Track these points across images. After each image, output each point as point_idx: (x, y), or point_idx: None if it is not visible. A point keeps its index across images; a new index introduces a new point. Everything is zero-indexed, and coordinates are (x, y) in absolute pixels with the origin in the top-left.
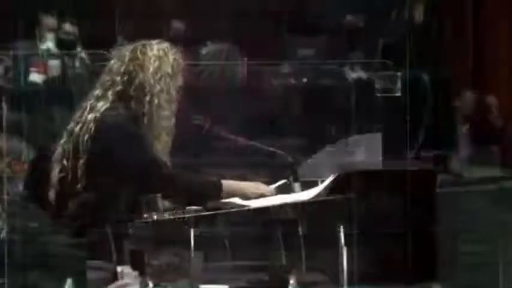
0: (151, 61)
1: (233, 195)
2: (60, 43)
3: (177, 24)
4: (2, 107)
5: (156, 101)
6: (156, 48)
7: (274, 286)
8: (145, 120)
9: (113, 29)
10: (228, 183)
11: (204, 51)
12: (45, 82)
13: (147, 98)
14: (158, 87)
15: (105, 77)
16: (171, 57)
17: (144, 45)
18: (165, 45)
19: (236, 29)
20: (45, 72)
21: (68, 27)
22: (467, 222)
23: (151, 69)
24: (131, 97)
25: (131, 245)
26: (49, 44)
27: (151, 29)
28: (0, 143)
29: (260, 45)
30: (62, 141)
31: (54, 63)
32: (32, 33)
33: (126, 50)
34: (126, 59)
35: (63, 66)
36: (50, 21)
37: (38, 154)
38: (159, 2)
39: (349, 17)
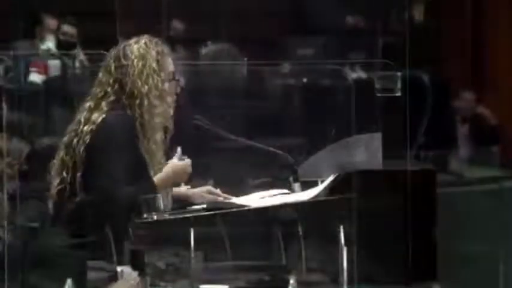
0: (135, 63)
1: (167, 184)
2: (60, 44)
3: (177, 24)
4: (2, 107)
5: (146, 101)
6: (136, 47)
7: (274, 286)
8: (138, 123)
9: (113, 29)
10: (157, 178)
11: (204, 51)
12: (45, 82)
13: (138, 101)
14: (146, 87)
15: (96, 89)
16: (153, 51)
17: (124, 48)
18: (143, 41)
19: (236, 29)
20: (45, 72)
21: (67, 27)
22: (467, 222)
23: (136, 71)
24: (125, 105)
25: (131, 245)
26: (49, 44)
27: (151, 29)
28: (0, 143)
29: (260, 45)
30: (60, 153)
31: (54, 63)
32: (32, 33)
33: (110, 58)
34: (112, 68)
35: (63, 67)
36: (50, 21)
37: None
38: (159, 2)
39: (349, 17)
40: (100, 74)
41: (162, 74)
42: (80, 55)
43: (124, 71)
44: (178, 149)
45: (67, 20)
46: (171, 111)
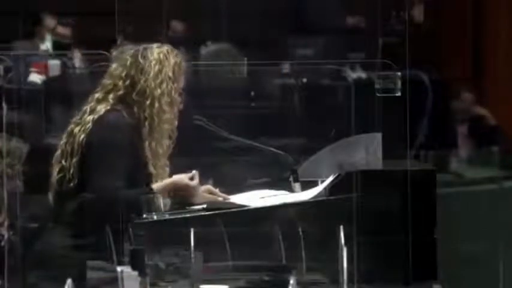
0: (152, 65)
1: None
2: (54, 44)
3: (177, 24)
4: (2, 107)
5: (157, 104)
6: (156, 51)
7: (274, 286)
8: (147, 124)
9: (113, 29)
10: (156, 186)
11: (204, 51)
12: (45, 82)
13: (148, 102)
14: (159, 91)
15: (107, 81)
16: (172, 60)
17: (145, 49)
18: (166, 48)
19: (236, 29)
20: (45, 72)
21: (60, 29)
22: (467, 222)
23: (152, 73)
24: (133, 101)
25: (131, 245)
26: (48, 44)
27: (151, 29)
28: (0, 142)
29: (260, 45)
30: (61, 142)
31: (54, 63)
32: (32, 33)
33: (128, 55)
34: (128, 63)
35: (63, 67)
36: (50, 21)
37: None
38: (159, 2)
39: (349, 17)
40: (113, 67)
41: (176, 84)
42: (77, 56)
43: (140, 68)
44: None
45: (60, 21)
46: (176, 122)
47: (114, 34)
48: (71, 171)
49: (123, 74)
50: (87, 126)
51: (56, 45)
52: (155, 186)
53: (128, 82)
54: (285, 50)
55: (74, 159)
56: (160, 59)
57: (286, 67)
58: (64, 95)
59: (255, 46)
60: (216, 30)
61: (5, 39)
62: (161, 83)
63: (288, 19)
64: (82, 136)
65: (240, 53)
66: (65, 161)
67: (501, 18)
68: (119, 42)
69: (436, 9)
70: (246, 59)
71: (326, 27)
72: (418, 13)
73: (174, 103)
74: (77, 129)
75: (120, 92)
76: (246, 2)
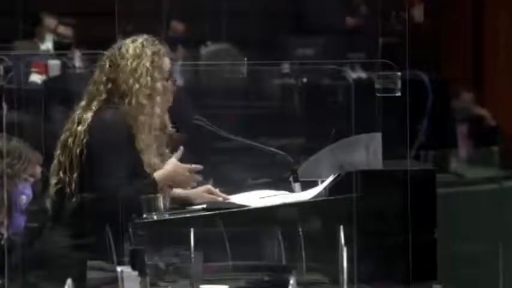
0: (129, 62)
1: (167, 182)
2: (55, 44)
3: (177, 24)
4: (2, 107)
5: (134, 100)
6: (132, 47)
7: (274, 286)
8: (133, 120)
9: (113, 29)
10: (157, 174)
11: (204, 51)
12: (45, 82)
13: (127, 100)
14: (137, 86)
15: (91, 88)
16: (149, 51)
17: (119, 48)
18: (140, 40)
19: (236, 29)
20: (45, 72)
21: (62, 28)
22: (467, 222)
23: (129, 70)
24: (116, 104)
25: (131, 245)
26: (49, 44)
27: (152, 29)
28: (0, 142)
29: (260, 45)
30: (57, 153)
31: (54, 63)
32: (32, 33)
33: (105, 58)
34: (107, 66)
35: (63, 67)
36: (50, 21)
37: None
38: (159, 2)
39: (349, 17)
40: (96, 73)
41: (156, 74)
42: (77, 56)
43: (118, 69)
44: (181, 148)
45: (62, 21)
46: (165, 111)
47: (114, 34)
48: (72, 186)
49: (104, 79)
50: (80, 138)
51: (57, 45)
52: (156, 175)
53: (110, 86)
54: (285, 50)
55: (75, 175)
56: (136, 53)
57: (286, 67)
58: (64, 95)
59: (255, 46)
60: (216, 30)
61: (5, 39)
62: (139, 77)
63: (288, 19)
64: (78, 150)
65: (240, 53)
66: (63, 174)
67: (501, 18)
68: (118, 42)
69: (436, 9)
70: (246, 59)
71: (326, 27)
72: (418, 13)
73: (154, 94)
74: (70, 141)
75: (103, 97)
76: (246, 2)
